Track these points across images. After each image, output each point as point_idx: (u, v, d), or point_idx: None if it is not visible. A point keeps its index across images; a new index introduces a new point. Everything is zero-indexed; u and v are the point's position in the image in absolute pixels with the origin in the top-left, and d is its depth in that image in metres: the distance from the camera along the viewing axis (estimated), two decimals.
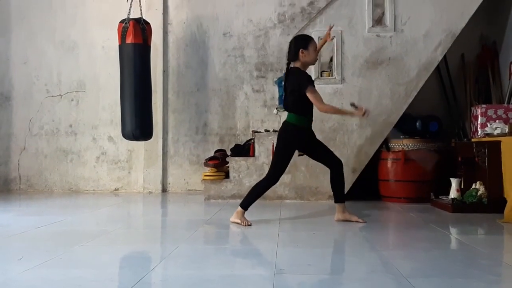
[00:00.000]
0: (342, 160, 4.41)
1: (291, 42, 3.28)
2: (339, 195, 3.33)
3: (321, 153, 3.32)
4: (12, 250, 2.52)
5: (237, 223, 3.20)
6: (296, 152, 3.31)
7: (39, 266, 2.12)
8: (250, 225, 3.16)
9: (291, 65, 3.25)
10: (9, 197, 4.84)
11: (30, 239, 2.74)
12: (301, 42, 3.21)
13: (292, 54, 3.21)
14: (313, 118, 4.45)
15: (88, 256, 2.38)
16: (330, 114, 3.37)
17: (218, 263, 2.26)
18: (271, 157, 4.46)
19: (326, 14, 4.52)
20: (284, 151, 3.24)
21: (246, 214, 3.26)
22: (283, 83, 4.72)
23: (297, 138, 3.22)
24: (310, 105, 3.18)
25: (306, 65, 3.24)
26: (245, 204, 3.26)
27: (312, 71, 4.48)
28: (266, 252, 2.46)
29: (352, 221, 3.27)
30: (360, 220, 3.25)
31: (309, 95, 3.09)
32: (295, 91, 3.15)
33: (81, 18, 5.39)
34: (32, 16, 5.43)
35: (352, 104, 3.16)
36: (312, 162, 4.46)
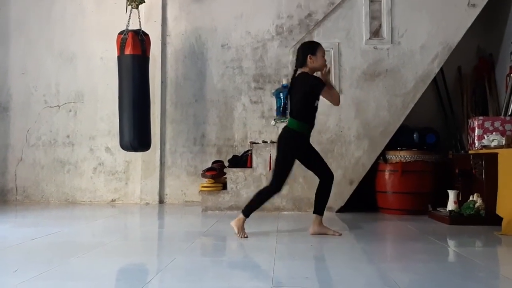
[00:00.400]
0: (340, 172, 4.44)
1: (298, 49, 3.29)
2: (320, 207, 3.29)
3: (315, 162, 3.31)
4: (7, 262, 2.50)
5: (235, 231, 3.16)
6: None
7: (35, 278, 2.10)
8: (246, 237, 3.13)
9: (298, 71, 3.24)
10: (5, 208, 4.81)
11: (26, 251, 2.72)
12: (309, 48, 3.22)
13: (300, 60, 3.21)
14: (312, 130, 4.49)
15: (84, 268, 2.36)
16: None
17: (215, 275, 2.25)
18: (268, 168, 4.48)
19: (323, 26, 4.56)
20: (285, 156, 3.20)
21: (245, 224, 3.24)
22: (281, 94, 4.77)
23: (297, 143, 3.20)
24: (313, 113, 3.20)
25: (314, 71, 3.23)
26: (247, 212, 3.22)
27: None
28: (263, 265, 2.45)
29: (328, 234, 3.21)
30: (336, 233, 3.22)
31: (326, 95, 3.17)
32: (307, 94, 3.15)
33: (80, 29, 5.42)
34: (31, 27, 5.46)
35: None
36: (310, 173, 4.45)
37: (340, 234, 3.21)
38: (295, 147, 3.21)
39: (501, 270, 2.44)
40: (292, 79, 3.27)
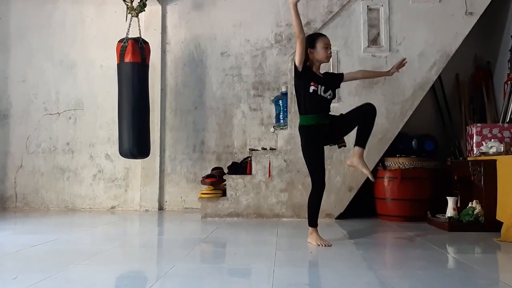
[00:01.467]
0: (339, 179, 4.46)
1: None
2: (362, 139, 3.21)
3: (347, 124, 3.26)
4: (7, 269, 2.50)
5: (316, 244, 3.08)
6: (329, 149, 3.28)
7: (34, 285, 2.10)
8: (330, 245, 3.06)
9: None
10: (4, 215, 4.80)
11: (25, 258, 2.72)
12: (308, 43, 3.16)
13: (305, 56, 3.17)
14: None
15: (83, 276, 2.36)
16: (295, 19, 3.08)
17: (215, 282, 2.25)
18: (268, 175, 4.49)
19: None
20: (307, 154, 3.20)
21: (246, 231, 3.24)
22: (280, 101, 4.80)
23: (309, 136, 3.16)
24: (314, 100, 3.13)
25: (318, 63, 3.20)
26: (312, 222, 3.18)
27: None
28: (263, 272, 2.45)
29: (363, 172, 3.22)
30: (371, 176, 3.25)
31: (296, 58, 3.07)
32: (295, 84, 3.19)
33: (80, 37, 5.45)
34: (31, 35, 5.49)
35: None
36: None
37: (331, 245, 3.09)
38: (309, 141, 3.17)
39: (501, 276, 2.44)
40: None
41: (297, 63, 3.10)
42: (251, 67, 5.28)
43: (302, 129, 3.20)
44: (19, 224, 4.32)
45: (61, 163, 5.38)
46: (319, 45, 3.17)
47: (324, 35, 3.27)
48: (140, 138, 4.69)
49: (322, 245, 3.06)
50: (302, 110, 3.18)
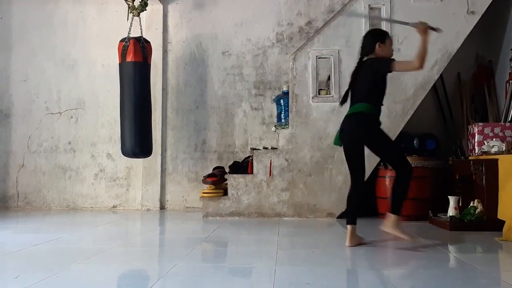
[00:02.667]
0: (340, 178, 4.45)
1: (366, 36, 3.20)
2: (393, 205, 3.06)
3: (388, 150, 3.13)
4: (8, 268, 2.50)
5: (398, 235, 2.98)
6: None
7: (36, 284, 2.11)
8: (407, 239, 2.98)
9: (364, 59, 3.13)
10: (6, 214, 4.81)
11: (27, 257, 2.73)
12: (378, 36, 3.12)
13: (368, 48, 3.11)
14: (313, 136, 4.51)
15: (84, 275, 2.36)
16: (424, 61, 2.93)
17: (216, 281, 2.25)
18: (269, 175, 4.49)
19: (323, 33, 4.58)
20: (358, 146, 3.04)
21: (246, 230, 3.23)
22: (281, 100, 4.80)
23: (370, 127, 3.02)
24: (382, 96, 3.06)
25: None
26: (395, 209, 3.03)
27: (310, 89, 4.53)
28: (264, 271, 2.45)
29: (399, 237, 3.04)
30: (406, 237, 3.06)
31: (398, 66, 2.96)
32: (376, 74, 3.02)
33: (82, 36, 5.46)
34: (32, 34, 5.50)
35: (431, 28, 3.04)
36: (310, 179, 4.49)
37: (409, 239, 3.03)
38: (367, 131, 3.04)
39: (503, 276, 2.44)
40: (357, 66, 3.14)
41: (396, 69, 3.00)
42: (252, 66, 5.27)
43: (364, 116, 3.01)
44: (20, 223, 4.33)
45: (62, 162, 5.39)
46: (388, 42, 3.13)
47: (389, 34, 3.24)
48: (141, 137, 4.69)
49: (405, 237, 2.98)
50: (368, 99, 3.02)
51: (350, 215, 3.08)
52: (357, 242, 3.05)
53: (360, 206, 3.11)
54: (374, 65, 3.07)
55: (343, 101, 3.18)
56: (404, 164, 3.04)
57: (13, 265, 2.57)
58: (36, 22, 5.50)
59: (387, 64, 3.01)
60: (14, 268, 2.49)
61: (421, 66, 2.92)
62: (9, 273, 2.38)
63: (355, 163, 3.10)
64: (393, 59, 3.03)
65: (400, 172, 3.05)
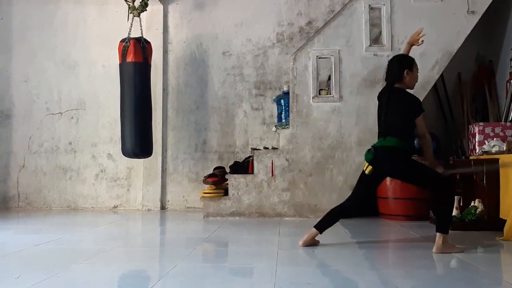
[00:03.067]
0: (341, 178, 4.45)
1: (392, 61, 3.09)
2: (438, 223, 2.95)
3: (423, 180, 3.05)
4: (9, 269, 2.50)
5: (448, 253, 2.84)
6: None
7: (36, 285, 2.11)
8: (462, 251, 2.86)
9: (393, 85, 3.04)
10: (7, 214, 4.82)
11: (28, 258, 2.73)
12: (406, 63, 3.03)
13: (395, 74, 3.01)
14: (313, 136, 4.51)
15: (85, 275, 2.36)
16: (425, 146, 3.06)
17: (217, 282, 2.25)
18: (271, 174, 4.49)
19: (324, 33, 4.59)
20: (418, 163, 2.99)
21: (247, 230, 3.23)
22: (282, 101, 4.80)
23: (408, 164, 2.97)
24: (413, 129, 3.01)
25: (408, 87, 3.05)
26: (444, 228, 2.89)
27: (310, 89, 4.53)
28: (265, 271, 2.45)
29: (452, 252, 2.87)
30: (459, 250, 2.90)
31: (419, 122, 2.96)
32: (410, 113, 2.96)
33: (82, 37, 5.46)
34: (33, 35, 5.50)
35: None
36: (311, 179, 4.49)
37: (462, 251, 2.90)
38: (404, 168, 2.98)
39: (504, 276, 2.43)
40: (385, 93, 3.05)
41: (417, 123, 2.99)
42: (252, 67, 5.28)
43: (406, 153, 2.99)
44: (21, 223, 4.33)
45: (63, 163, 5.39)
46: (415, 69, 3.05)
47: (415, 60, 3.12)
48: (142, 137, 4.69)
49: (456, 251, 2.86)
50: (406, 136, 3.00)
51: (323, 223, 3.08)
52: (311, 243, 3.04)
53: (452, 210, 3.03)
54: (408, 103, 2.99)
55: (378, 135, 3.10)
56: (442, 189, 2.93)
57: (14, 265, 2.57)
58: (36, 22, 5.50)
59: (417, 112, 2.97)
60: (15, 269, 2.49)
61: (422, 141, 3.04)
62: (10, 273, 2.38)
63: (364, 191, 3.12)
64: (422, 111, 3.00)
65: (440, 197, 2.95)
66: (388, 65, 3.11)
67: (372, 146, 3.07)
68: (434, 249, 2.89)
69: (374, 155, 3.01)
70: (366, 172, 3.02)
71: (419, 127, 3.00)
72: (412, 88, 3.09)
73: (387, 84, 3.08)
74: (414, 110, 2.98)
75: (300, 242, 3.02)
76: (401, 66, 3.01)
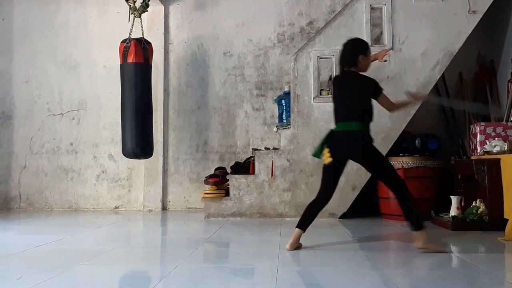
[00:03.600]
0: (342, 178, 4.42)
1: (346, 45, 3.06)
2: (407, 220, 2.98)
3: (381, 169, 3.04)
4: (11, 269, 2.51)
5: (425, 248, 2.85)
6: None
7: (38, 285, 2.11)
8: (446, 252, 2.86)
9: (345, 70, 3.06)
10: (9, 215, 4.82)
11: (29, 258, 2.73)
12: (361, 47, 3.03)
13: (349, 59, 3.01)
14: (314, 136, 4.51)
15: (87, 276, 2.37)
16: (399, 108, 3.11)
17: (218, 282, 2.25)
18: (271, 175, 4.49)
19: (324, 34, 4.58)
20: (379, 153, 2.99)
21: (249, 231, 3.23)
22: (283, 101, 4.79)
23: (370, 147, 2.97)
24: (372, 113, 3.02)
25: (360, 71, 3.05)
26: (415, 224, 2.91)
27: (311, 89, 4.53)
28: (266, 271, 2.45)
29: (436, 250, 2.88)
30: (443, 250, 2.90)
31: (382, 100, 3.00)
32: (368, 95, 2.98)
33: (83, 38, 5.47)
34: (34, 35, 5.51)
35: (408, 93, 3.10)
36: (312, 179, 4.48)
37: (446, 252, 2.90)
38: (367, 150, 2.98)
39: (506, 276, 2.43)
40: (340, 79, 3.09)
41: (380, 99, 3.02)
42: (254, 67, 5.28)
43: (370, 137, 3.00)
44: (23, 224, 4.34)
45: (64, 164, 5.40)
46: (369, 53, 3.06)
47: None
48: (143, 138, 4.69)
49: (435, 249, 2.85)
50: (366, 119, 3.01)
51: (303, 221, 3.05)
52: (296, 246, 2.99)
53: (414, 204, 3.00)
54: (365, 87, 3.00)
55: (336, 119, 3.08)
56: (397, 181, 2.97)
57: (16, 266, 2.58)
58: (37, 23, 5.51)
59: (377, 92, 3.00)
60: (16, 269, 2.49)
61: (393, 111, 3.11)
62: (12, 274, 2.39)
63: (332, 182, 3.06)
64: (381, 89, 3.02)
65: (397, 191, 2.97)
66: (343, 49, 3.09)
67: (331, 131, 3.06)
68: (415, 245, 2.92)
69: (333, 140, 3.00)
70: (326, 163, 3.00)
71: (385, 103, 3.04)
72: (365, 71, 3.08)
73: (342, 69, 3.09)
74: (373, 91, 3.00)
75: (287, 246, 2.95)
76: (356, 51, 3.02)
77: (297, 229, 3.01)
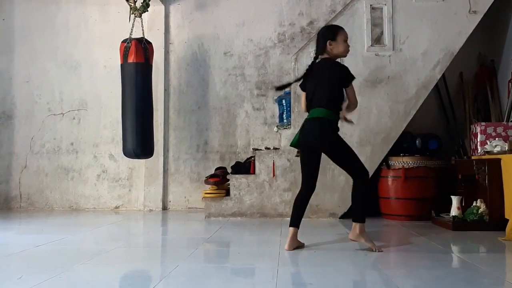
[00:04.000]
0: (343, 178, 4.44)
1: (319, 34, 3.05)
2: (355, 213, 2.97)
3: (347, 158, 3.00)
4: (11, 269, 2.51)
5: (369, 248, 2.90)
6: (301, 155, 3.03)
7: (39, 285, 2.11)
8: (381, 251, 2.89)
9: (319, 59, 3.02)
10: (9, 215, 4.83)
11: (29, 258, 2.73)
12: (329, 33, 2.98)
13: (320, 46, 2.99)
14: None
15: (87, 275, 2.37)
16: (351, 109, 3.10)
17: (219, 282, 2.25)
18: (271, 175, 4.49)
19: None
20: (346, 145, 2.95)
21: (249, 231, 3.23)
22: (283, 101, 4.79)
23: (335, 135, 2.94)
24: (342, 102, 2.96)
25: (335, 58, 3.02)
26: (359, 216, 2.92)
27: None
28: (266, 271, 2.45)
29: (366, 244, 2.93)
30: (376, 249, 2.91)
31: (350, 90, 2.94)
32: (338, 82, 2.93)
33: (84, 37, 5.47)
34: (35, 35, 5.51)
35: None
36: None
37: (381, 251, 2.91)
38: (330, 138, 2.94)
39: (507, 276, 2.43)
40: (311, 66, 3.02)
41: (349, 90, 2.97)
42: (254, 67, 5.28)
43: (333, 124, 2.95)
44: (23, 224, 4.34)
45: (65, 163, 5.40)
46: (340, 38, 2.98)
47: (343, 29, 3.06)
48: (143, 138, 4.70)
49: (375, 250, 2.88)
50: (331, 106, 2.94)
51: (294, 218, 3.01)
52: (296, 245, 2.97)
53: (365, 201, 3.01)
54: (335, 72, 2.96)
55: (308, 108, 3.04)
56: (362, 173, 2.95)
57: (16, 266, 2.58)
58: (38, 23, 5.51)
59: (347, 79, 2.95)
60: (17, 269, 2.49)
61: (353, 106, 3.01)
62: (12, 274, 2.39)
63: (312, 173, 3.02)
64: (353, 78, 2.97)
65: (358, 181, 2.95)
66: (316, 38, 3.08)
67: (305, 119, 3.04)
68: (350, 235, 2.96)
69: (304, 129, 2.99)
70: (297, 155, 3.01)
71: (351, 95, 2.98)
72: (341, 56, 3.03)
73: (314, 57, 3.05)
74: (345, 79, 2.95)
75: (286, 247, 2.94)
76: (324, 38, 2.98)
77: (290, 228, 2.99)
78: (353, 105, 3.02)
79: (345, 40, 3.00)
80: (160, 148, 5.18)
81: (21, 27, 5.53)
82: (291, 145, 3.14)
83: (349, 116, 3.08)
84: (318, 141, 2.95)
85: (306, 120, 3.02)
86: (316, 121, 2.94)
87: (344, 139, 4.46)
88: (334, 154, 3.00)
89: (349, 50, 3.06)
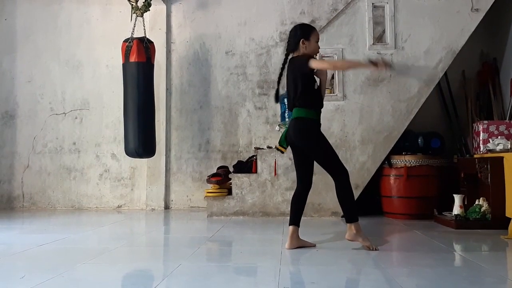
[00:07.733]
0: None
1: (291, 31, 3.05)
2: (344, 213, 2.99)
3: (327, 158, 2.96)
4: (14, 268, 2.51)
5: (366, 244, 2.89)
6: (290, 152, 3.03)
7: (41, 284, 2.12)
8: (377, 249, 2.88)
9: (290, 56, 3.03)
10: (12, 214, 4.84)
11: (32, 257, 2.74)
12: (303, 32, 2.98)
13: (292, 44, 2.99)
14: None
15: (90, 275, 2.37)
16: (345, 70, 3.02)
17: (221, 281, 2.25)
18: (273, 174, 4.49)
19: (327, 32, 4.58)
20: (325, 144, 2.91)
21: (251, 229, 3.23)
22: (285, 100, 4.78)
23: (319, 129, 2.93)
24: (316, 96, 2.96)
25: (304, 57, 2.97)
26: (351, 217, 2.92)
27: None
28: (269, 270, 2.45)
29: (363, 244, 2.94)
30: (372, 248, 2.90)
31: (314, 64, 2.87)
32: (301, 76, 2.90)
33: (86, 37, 5.48)
34: (37, 35, 5.52)
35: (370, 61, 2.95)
36: (315, 178, 4.46)
37: (376, 249, 2.90)
38: (320, 133, 2.93)
39: (509, 274, 2.43)
40: (283, 65, 3.04)
41: (313, 66, 2.89)
42: (256, 66, 5.28)
43: (307, 121, 2.93)
44: (26, 223, 4.35)
45: (67, 163, 5.41)
46: (313, 38, 2.99)
47: (316, 29, 3.09)
48: (145, 137, 4.70)
49: (372, 248, 2.87)
50: (303, 103, 2.94)
51: (293, 217, 3.01)
52: (298, 245, 2.96)
53: (353, 200, 3.00)
54: (295, 67, 2.96)
55: (291, 107, 3.06)
56: (341, 172, 2.94)
57: (19, 265, 2.59)
58: (40, 23, 5.52)
59: (304, 64, 2.89)
60: (20, 268, 2.50)
61: (335, 68, 2.96)
62: (15, 273, 2.40)
63: (306, 172, 3.04)
64: (310, 57, 2.93)
65: (340, 182, 2.94)
66: (289, 35, 3.08)
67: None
68: (346, 236, 2.95)
69: (287, 129, 3.02)
70: (282, 151, 3.07)
71: (317, 65, 2.92)
72: (310, 57, 2.98)
73: (286, 54, 3.05)
74: (302, 67, 2.89)
75: (286, 246, 2.93)
76: (297, 36, 2.98)
77: (290, 226, 2.99)
78: (330, 68, 2.91)
79: (317, 41, 3.04)
80: (162, 147, 5.19)
81: (23, 27, 5.54)
82: (278, 143, 3.14)
83: (373, 58, 2.96)
84: (298, 141, 2.99)
85: (290, 120, 3.07)
86: (294, 122, 2.99)
87: (346, 138, 4.52)
88: (312, 154, 3.00)
89: (318, 52, 3.09)
